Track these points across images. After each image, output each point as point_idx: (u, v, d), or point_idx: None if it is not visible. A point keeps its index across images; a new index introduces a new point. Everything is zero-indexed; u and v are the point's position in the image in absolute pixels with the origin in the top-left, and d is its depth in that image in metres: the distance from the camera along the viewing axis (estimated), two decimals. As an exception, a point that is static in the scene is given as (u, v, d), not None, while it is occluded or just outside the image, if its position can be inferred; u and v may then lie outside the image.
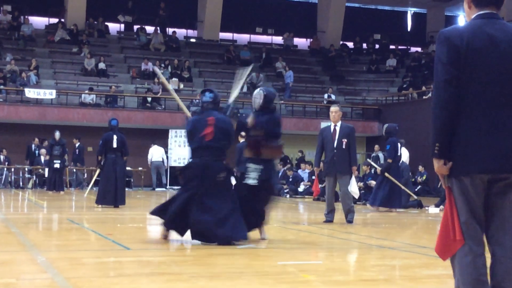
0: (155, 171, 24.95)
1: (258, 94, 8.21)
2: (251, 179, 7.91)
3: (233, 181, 8.26)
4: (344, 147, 10.99)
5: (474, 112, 3.42)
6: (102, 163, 14.02)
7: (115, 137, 13.85)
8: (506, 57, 3.45)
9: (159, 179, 25.05)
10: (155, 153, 24.72)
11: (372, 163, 16.04)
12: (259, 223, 8.12)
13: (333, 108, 11.46)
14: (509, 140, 3.42)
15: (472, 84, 3.42)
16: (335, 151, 10.98)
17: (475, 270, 3.46)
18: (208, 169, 7.61)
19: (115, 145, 13.84)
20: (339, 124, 11.21)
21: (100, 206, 13.77)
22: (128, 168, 24.29)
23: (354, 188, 11.05)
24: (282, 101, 25.59)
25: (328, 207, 11.14)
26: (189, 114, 8.63)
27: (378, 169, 15.13)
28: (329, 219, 11.08)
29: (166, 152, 24.96)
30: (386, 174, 14.49)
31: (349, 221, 11.02)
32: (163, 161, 24.83)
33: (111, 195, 13.79)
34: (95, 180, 16.36)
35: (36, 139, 23.82)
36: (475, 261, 3.47)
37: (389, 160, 14.58)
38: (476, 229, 3.48)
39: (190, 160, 7.93)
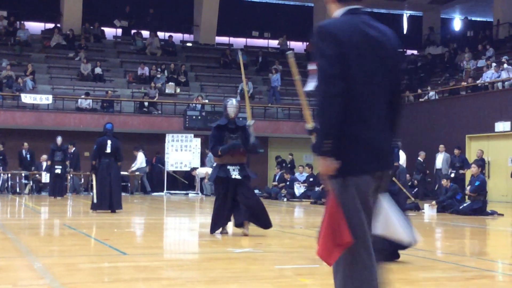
0: (145, 176, 24.95)
1: (233, 104, 9.34)
2: (236, 175, 9.07)
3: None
4: None
5: (361, 109, 3.34)
6: (96, 168, 13.98)
7: (109, 142, 13.78)
8: (383, 56, 3.42)
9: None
10: (143, 159, 24.71)
11: None
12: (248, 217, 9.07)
13: None
14: (388, 139, 3.43)
15: (354, 81, 3.33)
16: None
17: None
18: None
19: (109, 150, 13.77)
20: None
21: (95, 211, 13.70)
22: (125, 173, 24.29)
23: None
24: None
25: None
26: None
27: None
28: None
29: (146, 156, 24.97)
30: (394, 179, 14.46)
31: None
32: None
33: (107, 200, 13.73)
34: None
35: (25, 144, 23.77)
36: (372, 276, 3.30)
37: (396, 164, 14.48)
38: (367, 232, 3.33)
39: None
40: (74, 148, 23.48)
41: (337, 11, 3.48)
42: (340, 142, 3.27)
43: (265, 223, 9.09)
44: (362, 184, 3.32)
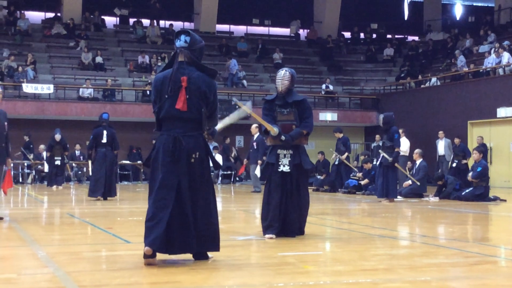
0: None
1: (280, 75, 7.61)
2: (284, 166, 7.48)
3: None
4: None
5: None
6: (92, 157, 14.36)
7: (105, 132, 14.19)
8: None
9: None
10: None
11: (386, 155, 14.79)
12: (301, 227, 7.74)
13: None
14: None
15: None
16: None
17: None
18: (180, 145, 5.57)
19: (104, 140, 14.20)
20: None
21: (93, 199, 14.04)
22: (126, 162, 24.32)
23: None
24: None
25: None
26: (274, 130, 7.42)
27: (390, 160, 14.32)
28: None
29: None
30: (396, 164, 14.44)
31: None
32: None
33: (102, 188, 14.04)
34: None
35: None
36: None
37: (398, 149, 14.37)
38: None
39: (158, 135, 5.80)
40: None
41: None
42: None
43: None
44: None
